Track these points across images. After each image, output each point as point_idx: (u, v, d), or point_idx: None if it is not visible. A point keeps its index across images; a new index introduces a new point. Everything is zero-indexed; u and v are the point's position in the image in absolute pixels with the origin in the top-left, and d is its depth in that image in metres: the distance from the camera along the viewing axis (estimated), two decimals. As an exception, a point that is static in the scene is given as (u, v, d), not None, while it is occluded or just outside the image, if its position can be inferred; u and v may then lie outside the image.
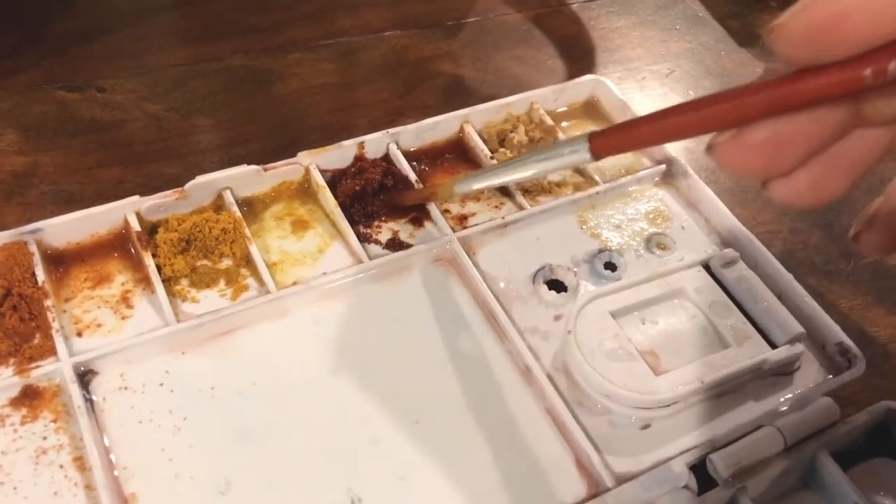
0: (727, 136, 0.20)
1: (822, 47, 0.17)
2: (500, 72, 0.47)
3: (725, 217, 0.38)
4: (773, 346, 0.33)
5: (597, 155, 0.24)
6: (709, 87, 0.49)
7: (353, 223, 0.37)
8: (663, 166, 0.40)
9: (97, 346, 0.31)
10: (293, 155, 0.38)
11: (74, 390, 0.30)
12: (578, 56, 0.49)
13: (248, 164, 0.37)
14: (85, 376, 0.31)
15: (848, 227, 0.40)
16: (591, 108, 0.44)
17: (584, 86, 0.44)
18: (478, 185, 0.33)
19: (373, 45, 0.48)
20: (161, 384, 0.31)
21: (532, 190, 0.39)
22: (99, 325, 0.32)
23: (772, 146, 0.19)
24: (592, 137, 0.24)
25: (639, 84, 0.48)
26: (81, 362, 0.31)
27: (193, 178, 0.36)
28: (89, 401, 0.30)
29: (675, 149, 0.41)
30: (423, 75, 0.46)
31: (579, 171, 0.40)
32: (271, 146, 0.42)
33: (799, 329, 0.33)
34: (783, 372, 0.34)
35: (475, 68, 0.47)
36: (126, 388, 0.31)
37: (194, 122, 0.42)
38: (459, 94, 0.46)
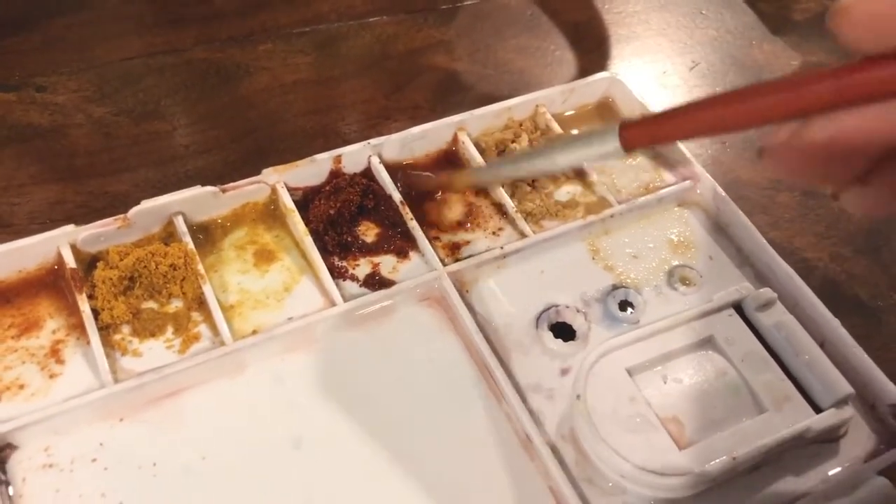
0: (783, 136, 0.17)
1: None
2: (501, 66, 0.41)
3: (759, 246, 0.33)
4: (817, 408, 0.28)
5: (628, 147, 0.22)
6: (737, 82, 0.43)
7: (327, 254, 0.31)
8: (689, 182, 0.35)
9: (18, 413, 0.26)
10: (261, 166, 0.32)
11: (-13, 472, 0.25)
12: (590, 46, 0.43)
13: (210, 177, 0.32)
14: (1, 452, 0.26)
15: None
16: (604, 111, 0.38)
17: (596, 85, 0.38)
18: (494, 178, 0.32)
19: (355, 32, 0.42)
20: (94, 460, 0.26)
21: (536, 213, 0.34)
22: (21, 387, 0.27)
23: (837, 147, 0.16)
24: (623, 127, 0.22)
25: (659, 80, 0.42)
26: (-3, 435, 0.26)
27: (145, 196, 0.30)
28: (4, 483, 0.25)
29: (702, 162, 0.35)
30: (412, 70, 0.41)
31: (591, 189, 0.35)
32: (235, 156, 0.36)
33: (848, 390, 0.28)
34: (828, 439, 0.29)
35: (472, 61, 0.42)
36: (51, 465, 0.26)
37: (147, 127, 0.37)
38: (454, 93, 0.40)
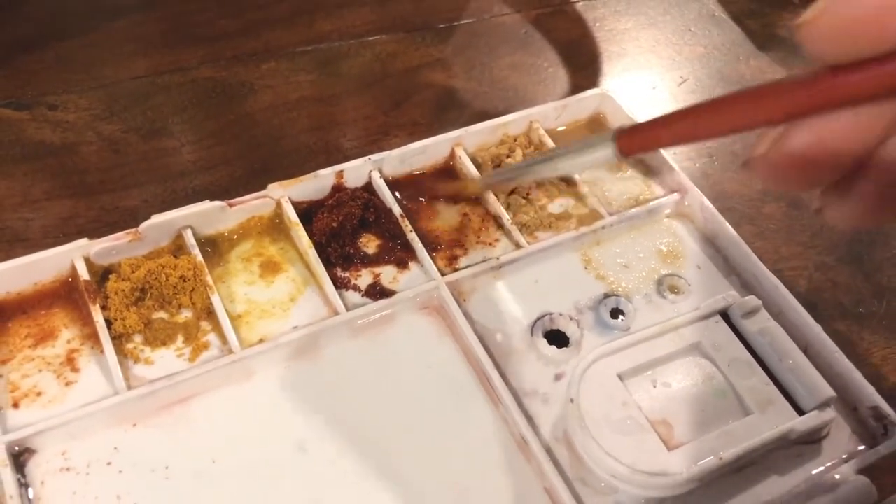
0: (765, 146, 0.18)
1: (860, 43, 0.16)
2: (496, 83, 0.43)
3: (745, 256, 0.34)
4: (800, 411, 0.29)
5: (624, 152, 0.24)
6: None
7: (330, 265, 0.33)
8: (677, 195, 0.36)
9: (36, 419, 0.27)
10: (266, 181, 0.33)
11: (7, 475, 0.26)
12: (582, 63, 0.45)
13: (216, 192, 0.33)
14: (21, 456, 0.27)
15: (880, 261, 0.36)
16: (595, 126, 0.40)
17: (588, 101, 0.39)
18: (502, 184, 0.35)
19: (355, 51, 0.44)
20: (109, 463, 0.27)
21: (530, 225, 0.35)
22: (39, 394, 0.28)
23: (816, 154, 0.17)
24: (619, 134, 0.24)
25: (649, 95, 0.44)
26: (17, 440, 0.27)
27: (154, 211, 0.32)
28: (24, 486, 0.26)
29: (691, 175, 0.36)
30: (411, 87, 0.42)
31: (583, 202, 0.36)
32: (241, 171, 0.37)
33: (829, 393, 0.29)
34: (810, 440, 0.30)
35: (469, 78, 0.43)
36: (68, 468, 0.27)
37: (155, 144, 0.38)
38: (451, 109, 0.41)
